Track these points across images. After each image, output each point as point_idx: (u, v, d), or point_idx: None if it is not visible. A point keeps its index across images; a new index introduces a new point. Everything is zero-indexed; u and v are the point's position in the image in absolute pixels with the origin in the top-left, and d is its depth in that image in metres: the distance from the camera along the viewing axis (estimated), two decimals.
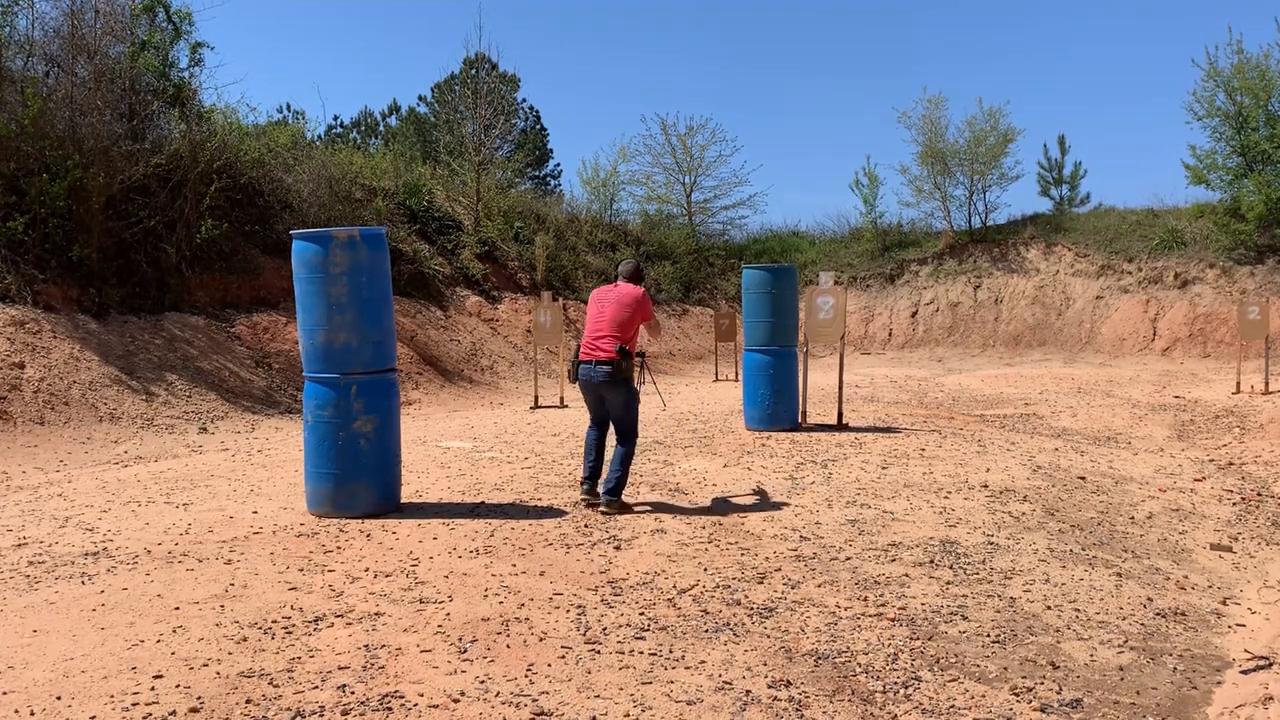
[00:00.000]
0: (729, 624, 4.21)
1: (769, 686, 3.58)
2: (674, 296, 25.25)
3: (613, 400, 6.24)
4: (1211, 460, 8.98)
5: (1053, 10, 65.27)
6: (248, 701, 3.33)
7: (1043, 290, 24.55)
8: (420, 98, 32.50)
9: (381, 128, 31.95)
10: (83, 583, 4.63)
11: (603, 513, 6.10)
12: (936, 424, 10.32)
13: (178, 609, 4.24)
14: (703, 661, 3.80)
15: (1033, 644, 4.11)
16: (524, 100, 31.53)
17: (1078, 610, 4.54)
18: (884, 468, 7.70)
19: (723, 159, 34.45)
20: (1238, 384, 14.46)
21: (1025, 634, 4.21)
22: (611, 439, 6.36)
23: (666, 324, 23.04)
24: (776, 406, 9.80)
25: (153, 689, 3.41)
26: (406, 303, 16.60)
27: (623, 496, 6.26)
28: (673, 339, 22.83)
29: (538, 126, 32.67)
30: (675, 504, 6.45)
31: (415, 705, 3.34)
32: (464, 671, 3.63)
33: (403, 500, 6.35)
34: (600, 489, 6.26)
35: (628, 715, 3.32)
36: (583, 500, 6.29)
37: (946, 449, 8.58)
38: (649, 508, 6.28)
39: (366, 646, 3.83)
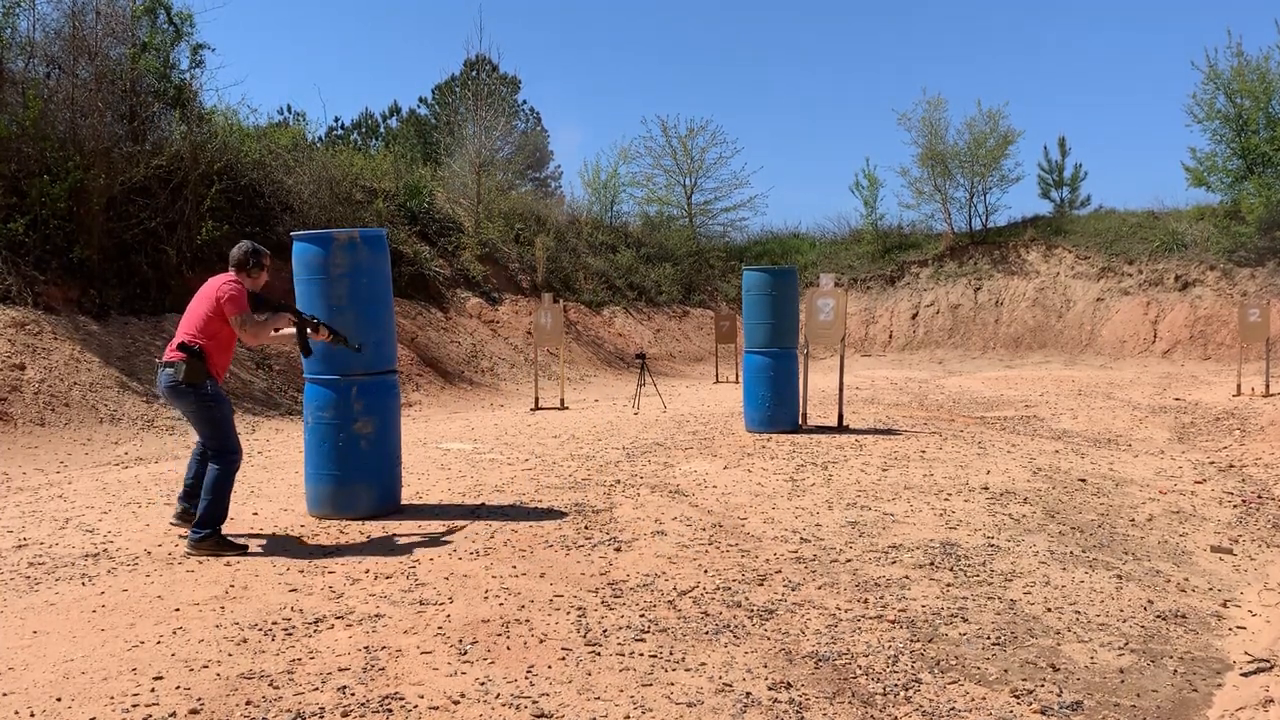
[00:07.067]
0: (729, 626, 4.21)
1: (769, 689, 3.58)
2: (674, 298, 25.26)
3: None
4: (1212, 462, 8.97)
5: (1053, 10, 65.35)
6: (248, 703, 3.33)
7: (1043, 292, 24.55)
8: (421, 99, 32.53)
9: (382, 129, 31.94)
10: (83, 584, 4.63)
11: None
12: (937, 426, 10.31)
13: (178, 610, 4.24)
14: (703, 663, 3.80)
15: (1033, 646, 4.11)
16: (524, 102, 31.60)
17: (1078, 612, 4.54)
18: (884, 470, 7.69)
19: (723, 160, 34.22)
20: (1238, 386, 14.46)
21: (1025, 636, 4.21)
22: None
23: (666, 326, 23.02)
24: (777, 408, 9.81)
25: (153, 690, 3.41)
26: (407, 304, 16.60)
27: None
28: (673, 340, 22.84)
29: (538, 128, 32.69)
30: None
31: (415, 707, 3.33)
32: (464, 673, 3.63)
33: (403, 502, 6.35)
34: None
35: (628, 717, 3.32)
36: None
37: (947, 451, 8.58)
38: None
39: (367, 648, 3.83)
